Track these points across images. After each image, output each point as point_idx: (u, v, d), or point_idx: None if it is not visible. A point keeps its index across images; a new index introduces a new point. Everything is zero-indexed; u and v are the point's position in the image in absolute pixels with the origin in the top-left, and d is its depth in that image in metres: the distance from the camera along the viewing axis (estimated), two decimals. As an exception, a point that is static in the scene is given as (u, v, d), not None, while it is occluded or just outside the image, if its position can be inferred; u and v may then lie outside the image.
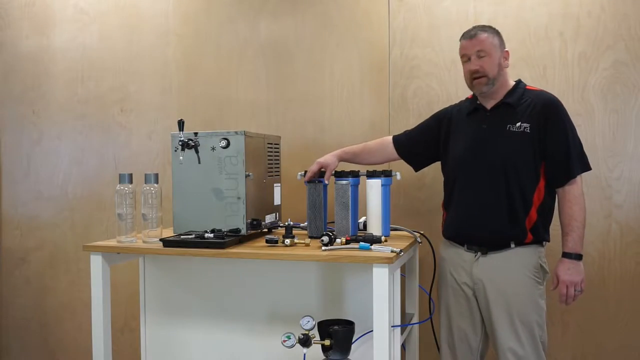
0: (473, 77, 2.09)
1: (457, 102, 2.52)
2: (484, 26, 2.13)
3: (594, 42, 2.43)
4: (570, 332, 2.50)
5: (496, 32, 2.11)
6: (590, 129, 2.45)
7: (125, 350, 3.03)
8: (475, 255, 2.11)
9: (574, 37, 2.46)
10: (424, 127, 2.34)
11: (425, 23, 2.62)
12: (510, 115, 2.07)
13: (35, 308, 3.24)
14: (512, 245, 2.05)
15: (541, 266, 2.07)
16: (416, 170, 2.41)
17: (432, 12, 2.62)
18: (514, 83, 2.14)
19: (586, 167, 2.08)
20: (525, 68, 2.48)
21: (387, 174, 2.27)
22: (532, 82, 2.45)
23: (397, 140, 2.36)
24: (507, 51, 2.11)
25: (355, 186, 2.29)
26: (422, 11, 2.63)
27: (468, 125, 2.17)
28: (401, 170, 2.42)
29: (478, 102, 2.17)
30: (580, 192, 2.05)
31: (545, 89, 2.16)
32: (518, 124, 2.04)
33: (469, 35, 2.10)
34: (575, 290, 2.05)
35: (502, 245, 2.06)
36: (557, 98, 2.09)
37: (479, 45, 2.06)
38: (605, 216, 2.45)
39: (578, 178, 2.05)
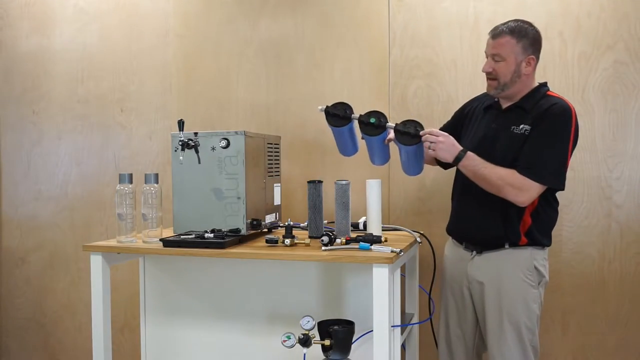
0: (486, 77, 2.05)
1: (456, 101, 2.53)
2: (514, 26, 1.99)
3: (594, 42, 2.43)
4: (571, 332, 2.50)
5: (524, 35, 1.98)
6: (590, 129, 2.45)
7: (125, 350, 3.03)
8: (472, 254, 2.12)
9: (574, 37, 2.46)
10: (447, 127, 2.26)
11: (425, 23, 2.62)
12: (520, 118, 2.01)
13: (35, 308, 3.24)
14: (507, 246, 2.03)
15: (536, 268, 2.02)
16: (445, 169, 2.32)
17: (432, 13, 2.61)
18: (535, 86, 2.06)
19: (542, 179, 1.92)
20: (525, 68, 2.48)
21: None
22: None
23: None
24: (532, 57, 1.99)
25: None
26: (422, 11, 2.63)
27: (481, 121, 2.15)
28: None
29: (496, 99, 2.12)
30: (519, 182, 1.91)
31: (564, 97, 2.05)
32: (522, 126, 1.99)
33: (494, 34, 2.01)
34: (431, 142, 1.95)
35: (496, 245, 2.05)
36: (566, 108, 1.96)
37: (498, 48, 1.99)
38: (605, 216, 2.45)
39: (532, 183, 1.92)
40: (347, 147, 2.22)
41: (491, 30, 2.03)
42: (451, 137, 2.00)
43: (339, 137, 2.17)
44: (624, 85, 2.42)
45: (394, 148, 2.13)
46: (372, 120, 2.00)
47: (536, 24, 2.50)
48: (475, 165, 1.98)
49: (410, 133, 1.97)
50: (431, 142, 1.97)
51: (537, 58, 2.04)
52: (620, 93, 2.42)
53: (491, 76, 2.02)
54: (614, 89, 2.42)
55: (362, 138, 2.10)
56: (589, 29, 2.44)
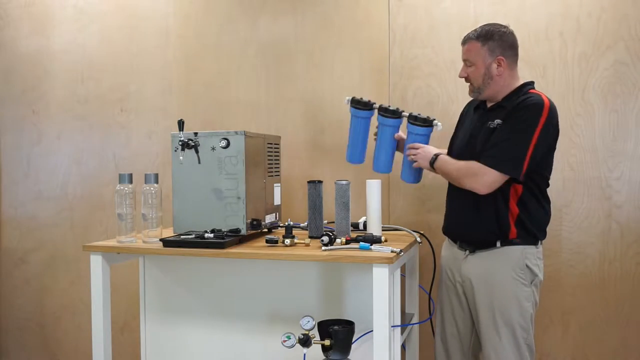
0: (465, 81, 2.13)
1: (456, 101, 2.54)
2: (480, 31, 2.04)
3: (594, 42, 2.43)
4: (571, 332, 2.50)
5: (489, 38, 2.01)
6: (590, 129, 2.45)
7: (125, 350, 3.03)
8: (465, 253, 2.12)
9: (574, 37, 2.46)
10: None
11: (425, 23, 2.62)
12: (498, 114, 2.03)
13: (34, 308, 3.24)
14: (498, 245, 2.03)
15: (527, 267, 2.01)
16: None
17: (432, 13, 2.62)
18: (519, 85, 2.06)
19: (497, 165, 1.93)
20: (525, 68, 2.47)
21: (428, 123, 2.19)
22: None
23: None
24: (501, 58, 2.00)
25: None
26: (422, 11, 2.63)
27: (471, 120, 2.18)
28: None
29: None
30: (474, 170, 1.96)
31: (545, 91, 2.09)
32: (496, 121, 2.01)
33: (462, 40, 2.09)
34: (413, 155, 2.18)
35: (488, 244, 2.05)
36: (538, 102, 1.95)
37: (465, 54, 2.08)
38: (605, 216, 2.45)
39: (487, 169, 1.94)
40: (356, 148, 2.31)
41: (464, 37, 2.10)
42: (427, 147, 2.19)
43: (355, 132, 2.31)
44: (624, 86, 2.42)
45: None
46: (392, 108, 2.25)
47: (536, 25, 2.52)
48: (442, 165, 2.10)
49: (422, 118, 2.20)
50: (413, 155, 2.18)
51: (510, 57, 2.03)
52: (621, 93, 2.42)
53: (468, 81, 2.11)
54: (614, 89, 2.43)
55: (375, 136, 2.30)
56: (589, 29, 2.44)
